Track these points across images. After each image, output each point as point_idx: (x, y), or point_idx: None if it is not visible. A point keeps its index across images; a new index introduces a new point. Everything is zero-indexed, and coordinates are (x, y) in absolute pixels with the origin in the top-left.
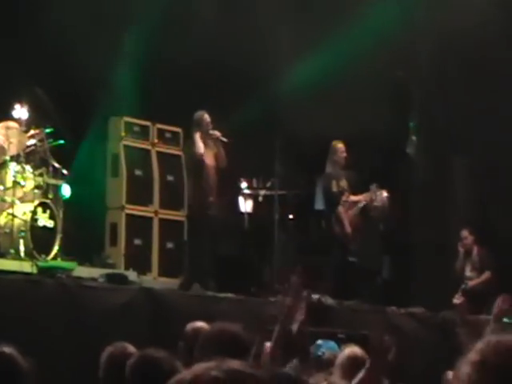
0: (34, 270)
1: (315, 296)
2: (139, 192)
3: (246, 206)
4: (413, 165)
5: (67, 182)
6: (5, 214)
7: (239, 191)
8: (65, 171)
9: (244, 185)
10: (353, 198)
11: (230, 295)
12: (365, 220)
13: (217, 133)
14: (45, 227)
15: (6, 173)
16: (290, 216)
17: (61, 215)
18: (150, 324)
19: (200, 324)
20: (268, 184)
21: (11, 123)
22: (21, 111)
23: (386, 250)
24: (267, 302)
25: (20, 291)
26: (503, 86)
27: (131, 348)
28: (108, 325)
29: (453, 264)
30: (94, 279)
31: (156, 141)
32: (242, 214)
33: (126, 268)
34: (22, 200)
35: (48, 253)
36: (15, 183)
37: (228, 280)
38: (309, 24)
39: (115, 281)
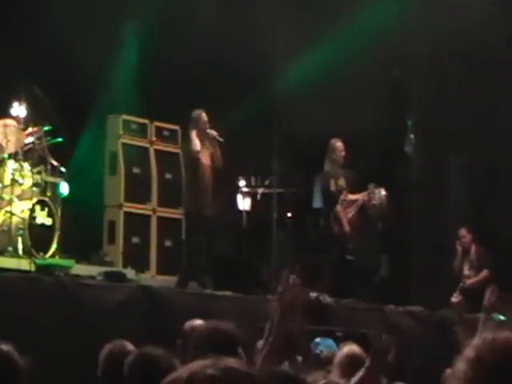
0: (32, 268)
1: (313, 294)
2: (137, 190)
3: (244, 204)
4: (411, 163)
5: (65, 180)
6: (3, 211)
7: (237, 189)
8: (63, 169)
9: (242, 183)
10: (351, 196)
11: (227, 293)
12: (363, 219)
13: (213, 132)
14: (43, 225)
15: (4, 171)
16: (289, 214)
17: (59, 213)
18: (148, 322)
19: (198, 322)
20: (266, 182)
21: (9, 121)
22: (19, 109)
23: (384, 248)
24: (265, 301)
25: (18, 289)
26: (502, 85)
27: (130, 346)
28: (106, 323)
29: (451, 262)
30: (92, 277)
31: (154, 139)
32: (240, 212)
33: (124, 266)
34: (20, 198)
35: (46, 251)
36: (13, 181)
37: (226, 278)
38: (307, 23)
39: (113, 279)
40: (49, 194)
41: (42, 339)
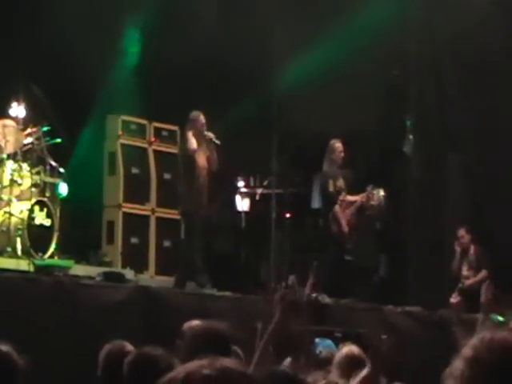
0: (31, 269)
1: (312, 294)
2: (136, 190)
3: (242, 204)
4: (409, 163)
5: (64, 181)
6: (2, 212)
7: (236, 190)
8: (62, 169)
9: (241, 183)
10: (349, 197)
11: (227, 293)
12: (361, 219)
13: (210, 134)
14: (42, 225)
15: (3, 171)
16: (287, 215)
17: (58, 213)
18: (147, 322)
19: (198, 322)
20: (265, 183)
21: (8, 121)
22: (18, 109)
23: (383, 248)
24: (264, 301)
25: (17, 289)
26: (500, 85)
27: (129, 346)
28: (105, 323)
29: (449, 262)
30: (91, 277)
31: (153, 139)
32: (239, 212)
33: (123, 266)
34: (19, 198)
35: (45, 251)
36: (12, 181)
37: (225, 278)
38: (306, 23)
39: (112, 279)
40: (48, 194)
41: (41, 339)
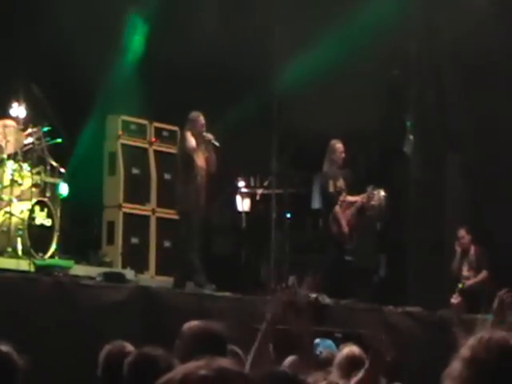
0: (32, 269)
1: (312, 295)
2: (136, 190)
3: (243, 204)
4: (409, 163)
5: (65, 181)
6: (2, 212)
7: (236, 190)
8: (62, 170)
9: (241, 184)
10: (350, 198)
11: (227, 294)
12: (362, 219)
13: (210, 136)
14: (42, 226)
15: (4, 171)
16: (288, 215)
17: (58, 214)
18: (147, 322)
19: (197, 323)
20: (265, 183)
21: (9, 121)
22: (18, 109)
23: (383, 248)
24: (264, 301)
25: (17, 289)
26: (500, 85)
27: (129, 347)
28: (105, 323)
29: (449, 262)
30: (91, 278)
31: (153, 139)
32: (240, 212)
33: (124, 266)
34: (20, 198)
35: (45, 251)
36: (13, 181)
37: (225, 278)
38: (306, 23)
39: (113, 279)
40: (48, 194)
41: (41, 339)
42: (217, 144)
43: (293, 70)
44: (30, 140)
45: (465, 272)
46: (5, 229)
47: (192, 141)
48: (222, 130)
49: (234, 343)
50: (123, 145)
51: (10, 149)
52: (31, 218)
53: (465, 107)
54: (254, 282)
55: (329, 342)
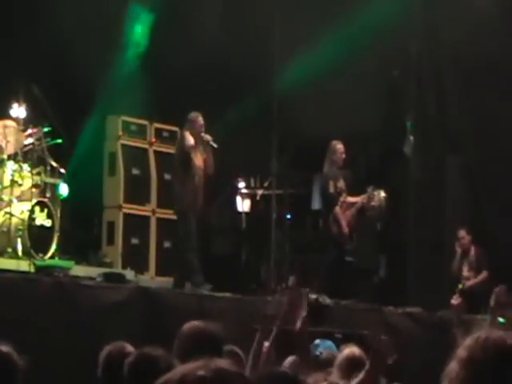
0: (32, 269)
1: (312, 295)
2: (136, 191)
3: (243, 205)
4: (409, 164)
5: (65, 181)
6: (2, 212)
7: (237, 191)
8: (62, 170)
9: (241, 184)
10: (350, 199)
11: (227, 294)
12: (362, 220)
13: (208, 137)
14: (42, 226)
15: (4, 171)
16: (288, 216)
17: (58, 214)
18: (147, 323)
19: (194, 323)
20: (265, 184)
21: (9, 122)
22: (19, 110)
23: (383, 249)
24: (264, 301)
25: (17, 290)
26: (500, 86)
27: (129, 347)
28: (105, 324)
29: (449, 263)
30: (91, 278)
31: (153, 140)
32: (240, 213)
33: (124, 267)
34: (20, 199)
35: (46, 252)
36: (13, 182)
37: (225, 279)
38: (307, 23)
39: (113, 280)
40: (48, 195)
41: (41, 340)
42: (215, 145)
43: (293, 70)
44: (30, 140)
45: (465, 272)
46: (5, 229)
47: (190, 139)
48: (222, 130)
49: (234, 343)
50: (123, 145)
51: (10, 149)
52: (31, 219)
53: (465, 108)
54: (254, 283)
55: (329, 343)
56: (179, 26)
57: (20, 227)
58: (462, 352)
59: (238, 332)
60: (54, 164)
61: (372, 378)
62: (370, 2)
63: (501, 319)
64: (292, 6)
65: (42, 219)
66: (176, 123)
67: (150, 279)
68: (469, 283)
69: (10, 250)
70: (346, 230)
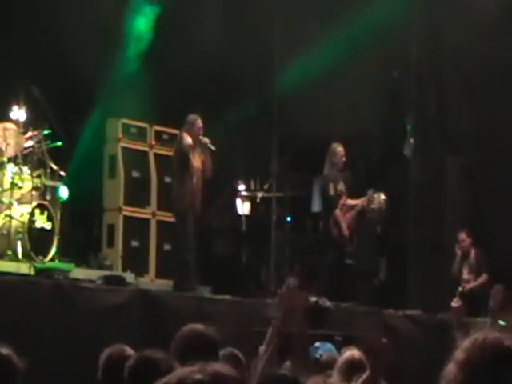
0: (32, 272)
1: (312, 298)
2: (136, 194)
3: (243, 208)
4: (409, 165)
5: (65, 184)
6: (2, 215)
7: (237, 193)
8: (62, 173)
9: (242, 187)
10: (350, 201)
11: (227, 297)
12: (362, 222)
13: (206, 139)
14: (42, 229)
15: (4, 174)
16: (288, 218)
17: (58, 217)
18: (147, 325)
19: (198, 326)
20: (265, 186)
21: (9, 124)
22: (19, 113)
23: (383, 251)
24: (264, 304)
25: (17, 292)
26: (500, 87)
27: (129, 350)
28: (105, 326)
29: (449, 265)
30: (91, 281)
31: (153, 142)
32: (240, 215)
33: (124, 270)
34: (20, 201)
35: (46, 254)
36: (13, 185)
37: (225, 281)
38: (307, 24)
39: (113, 282)
40: (48, 197)
41: (41, 342)
42: (213, 148)
43: (293, 71)
44: (30, 143)
45: (465, 275)
46: (5, 232)
47: (189, 139)
48: (221, 131)
49: (234, 346)
50: (123, 148)
51: (10, 152)
52: (31, 221)
53: (465, 110)
54: (254, 285)
55: (329, 346)
56: (179, 27)
57: (20, 230)
58: (459, 354)
59: (238, 334)
60: (54, 166)
61: (372, 381)
62: (370, 3)
63: (501, 322)
64: (292, 7)
65: (42, 222)
66: (176, 126)
67: (150, 282)
68: (469, 286)
69: (10, 252)
70: (346, 232)
